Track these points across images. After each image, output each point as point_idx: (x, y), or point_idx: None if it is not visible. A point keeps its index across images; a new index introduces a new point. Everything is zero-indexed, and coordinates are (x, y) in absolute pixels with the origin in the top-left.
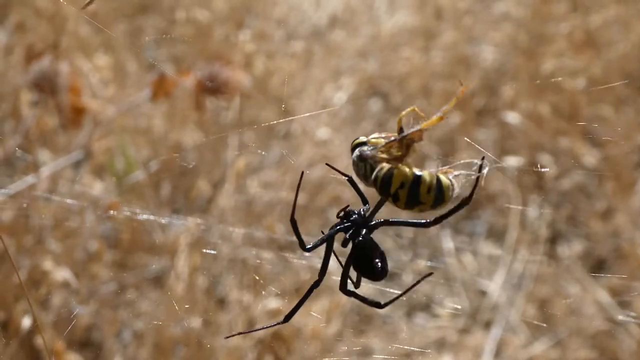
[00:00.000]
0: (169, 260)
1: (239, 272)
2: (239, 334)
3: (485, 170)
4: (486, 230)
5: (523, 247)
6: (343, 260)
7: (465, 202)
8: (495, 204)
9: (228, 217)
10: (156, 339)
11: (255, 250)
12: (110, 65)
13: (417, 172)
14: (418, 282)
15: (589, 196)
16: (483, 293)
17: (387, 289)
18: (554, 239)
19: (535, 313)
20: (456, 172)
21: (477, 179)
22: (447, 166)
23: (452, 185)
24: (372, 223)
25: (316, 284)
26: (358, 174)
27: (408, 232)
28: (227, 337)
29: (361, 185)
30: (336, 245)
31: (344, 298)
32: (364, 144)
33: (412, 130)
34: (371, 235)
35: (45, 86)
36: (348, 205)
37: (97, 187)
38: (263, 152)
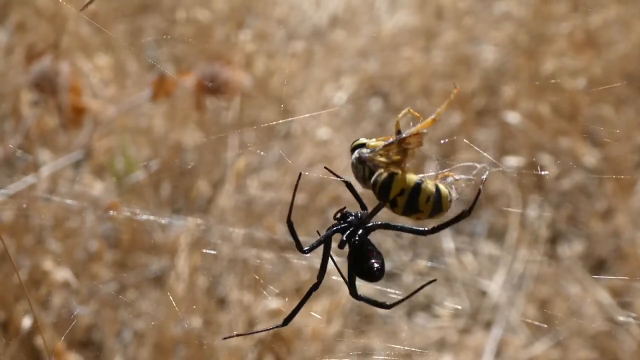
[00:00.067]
0: (169, 260)
1: (239, 272)
2: (237, 335)
3: (485, 176)
4: (486, 230)
5: (523, 247)
6: (339, 261)
7: (465, 214)
8: (495, 204)
9: (228, 217)
10: (156, 339)
11: (256, 250)
12: (111, 65)
13: (418, 179)
14: (424, 286)
15: (589, 196)
16: (483, 293)
17: (387, 289)
18: (554, 239)
19: (535, 313)
20: (457, 177)
21: (479, 191)
22: (447, 169)
23: (451, 195)
24: (370, 225)
25: (315, 287)
26: (357, 176)
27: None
28: (225, 339)
29: (359, 188)
30: (333, 247)
31: (344, 298)
32: (363, 145)
33: (408, 132)
34: (368, 237)
35: (46, 86)
36: (345, 207)
37: (97, 187)
38: (262, 153)
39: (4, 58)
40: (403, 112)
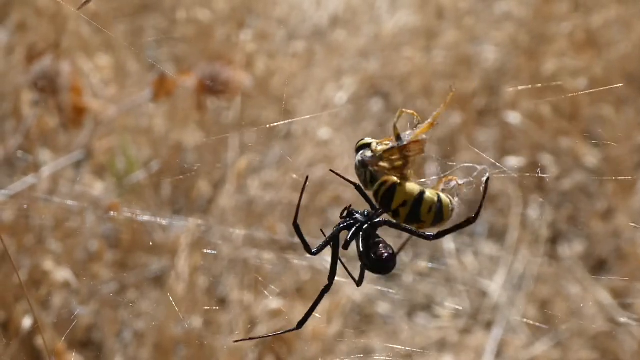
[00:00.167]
0: (169, 260)
1: (239, 273)
2: (251, 339)
3: (485, 178)
4: (487, 230)
5: (524, 248)
6: (345, 261)
7: (471, 220)
8: (496, 204)
9: (229, 217)
10: (157, 339)
11: (256, 250)
12: (111, 65)
13: (420, 190)
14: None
15: (589, 196)
16: (484, 293)
17: (387, 290)
18: (554, 239)
19: (536, 313)
20: (460, 181)
21: (483, 197)
22: (449, 172)
23: (452, 204)
24: (376, 221)
25: (326, 289)
26: (359, 179)
27: None
28: (237, 342)
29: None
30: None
31: (345, 298)
32: (368, 145)
33: (408, 139)
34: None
35: (46, 86)
36: (350, 205)
37: (97, 187)
38: (260, 156)
39: (4, 58)
40: (397, 114)
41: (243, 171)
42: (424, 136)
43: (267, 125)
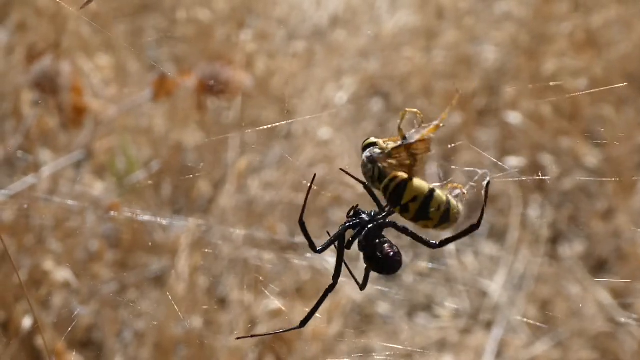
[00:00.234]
0: (169, 260)
1: (240, 272)
2: (252, 336)
3: (486, 182)
4: (487, 230)
5: (524, 248)
6: (348, 263)
7: (474, 227)
8: (496, 204)
9: (229, 217)
10: (157, 339)
11: (256, 250)
12: (112, 65)
13: (430, 188)
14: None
15: (590, 196)
16: (484, 293)
17: (388, 289)
18: (555, 239)
19: (536, 313)
20: (465, 190)
21: (484, 201)
22: (450, 179)
23: (458, 208)
24: (382, 222)
25: (331, 288)
26: (366, 176)
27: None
28: (238, 339)
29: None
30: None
31: (345, 298)
32: (374, 144)
33: (415, 139)
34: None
35: (47, 86)
36: (357, 205)
37: (97, 187)
38: (260, 156)
39: (4, 58)
40: (401, 116)
41: (243, 171)
42: (431, 135)
43: (269, 126)
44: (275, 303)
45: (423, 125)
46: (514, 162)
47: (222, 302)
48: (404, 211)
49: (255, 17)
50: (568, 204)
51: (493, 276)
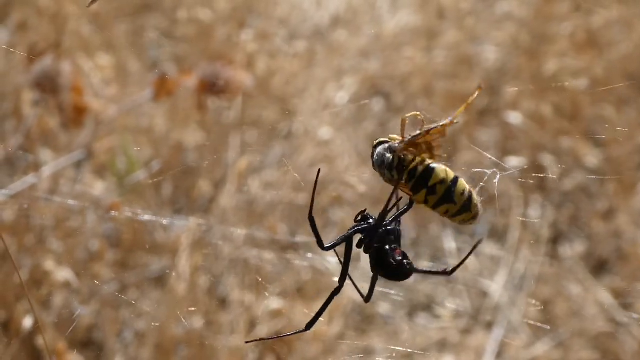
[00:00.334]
0: (170, 260)
1: (240, 273)
2: (261, 339)
3: (476, 243)
4: (488, 230)
5: (525, 248)
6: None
7: (480, 241)
8: (496, 204)
9: (229, 217)
10: (158, 339)
11: (257, 250)
12: (112, 65)
13: (455, 174)
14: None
15: (590, 196)
16: (485, 293)
17: (388, 290)
18: (555, 240)
19: (537, 314)
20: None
21: (486, 199)
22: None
23: (479, 204)
24: (390, 227)
25: (337, 291)
26: (382, 167)
27: (410, 232)
28: (248, 342)
29: (380, 184)
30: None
31: (346, 299)
32: (386, 142)
33: (431, 126)
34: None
35: (47, 85)
36: (365, 209)
37: (98, 187)
38: (260, 156)
39: (5, 57)
40: (401, 122)
41: (244, 171)
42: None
43: (270, 127)
44: (276, 303)
45: (431, 124)
46: (514, 162)
47: (223, 302)
48: (430, 193)
49: (256, 17)
50: (569, 204)
51: (494, 276)
